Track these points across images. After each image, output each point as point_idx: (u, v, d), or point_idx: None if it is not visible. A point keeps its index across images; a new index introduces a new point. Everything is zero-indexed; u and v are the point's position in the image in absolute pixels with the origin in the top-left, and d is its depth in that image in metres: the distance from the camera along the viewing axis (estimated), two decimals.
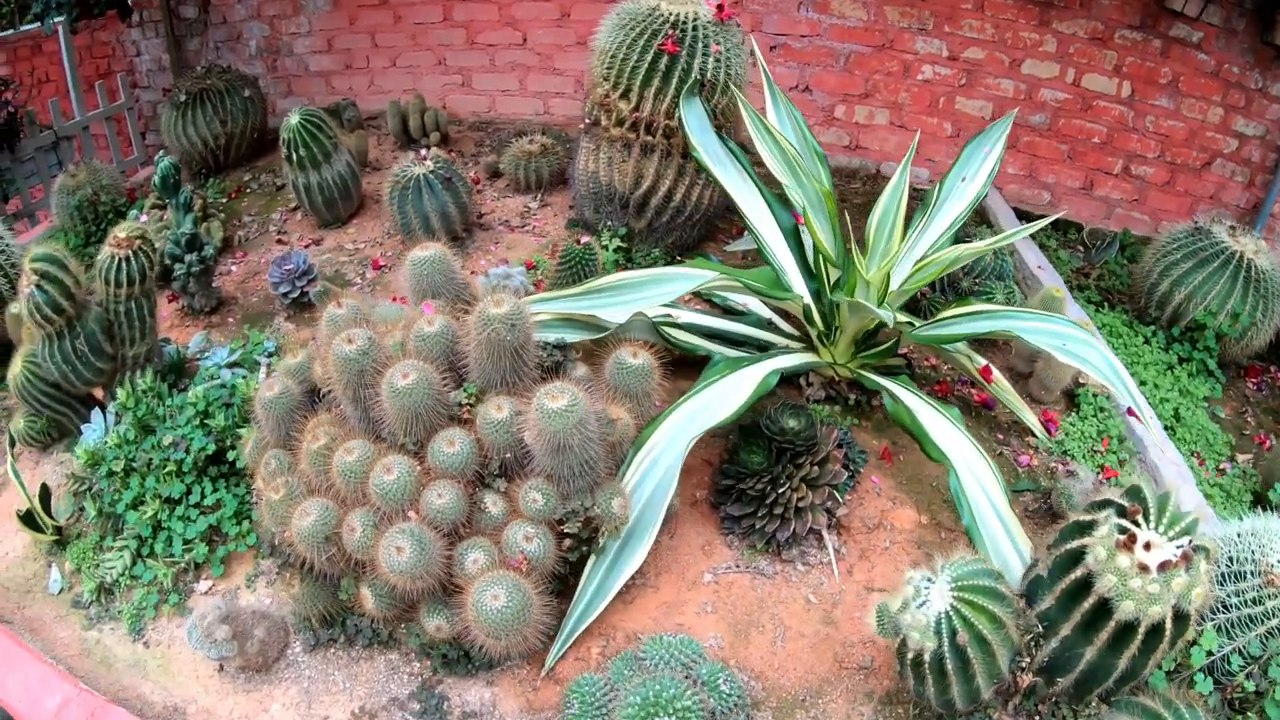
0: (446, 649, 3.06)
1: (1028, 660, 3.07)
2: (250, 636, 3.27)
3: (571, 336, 3.34)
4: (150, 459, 3.76)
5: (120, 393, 3.90)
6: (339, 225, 4.72)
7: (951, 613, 2.88)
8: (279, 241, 4.72)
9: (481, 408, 2.95)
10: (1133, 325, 4.74)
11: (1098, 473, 4.02)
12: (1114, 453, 4.10)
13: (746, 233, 4.59)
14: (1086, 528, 2.96)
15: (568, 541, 2.95)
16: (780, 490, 3.36)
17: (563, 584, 3.14)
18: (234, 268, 4.66)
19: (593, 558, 3.09)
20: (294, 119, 4.51)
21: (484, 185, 4.84)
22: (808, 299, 3.81)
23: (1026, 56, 5.04)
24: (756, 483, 3.38)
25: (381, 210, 4.73)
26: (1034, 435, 4.07)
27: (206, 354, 4.16)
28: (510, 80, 5.56)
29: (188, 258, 4.32)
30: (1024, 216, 5.30)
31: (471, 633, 2.77)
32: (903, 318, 3.64)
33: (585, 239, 3.79)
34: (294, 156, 4.50)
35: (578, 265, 3.71)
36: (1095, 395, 4.23)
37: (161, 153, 4.40)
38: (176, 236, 4.33)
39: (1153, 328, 4.67)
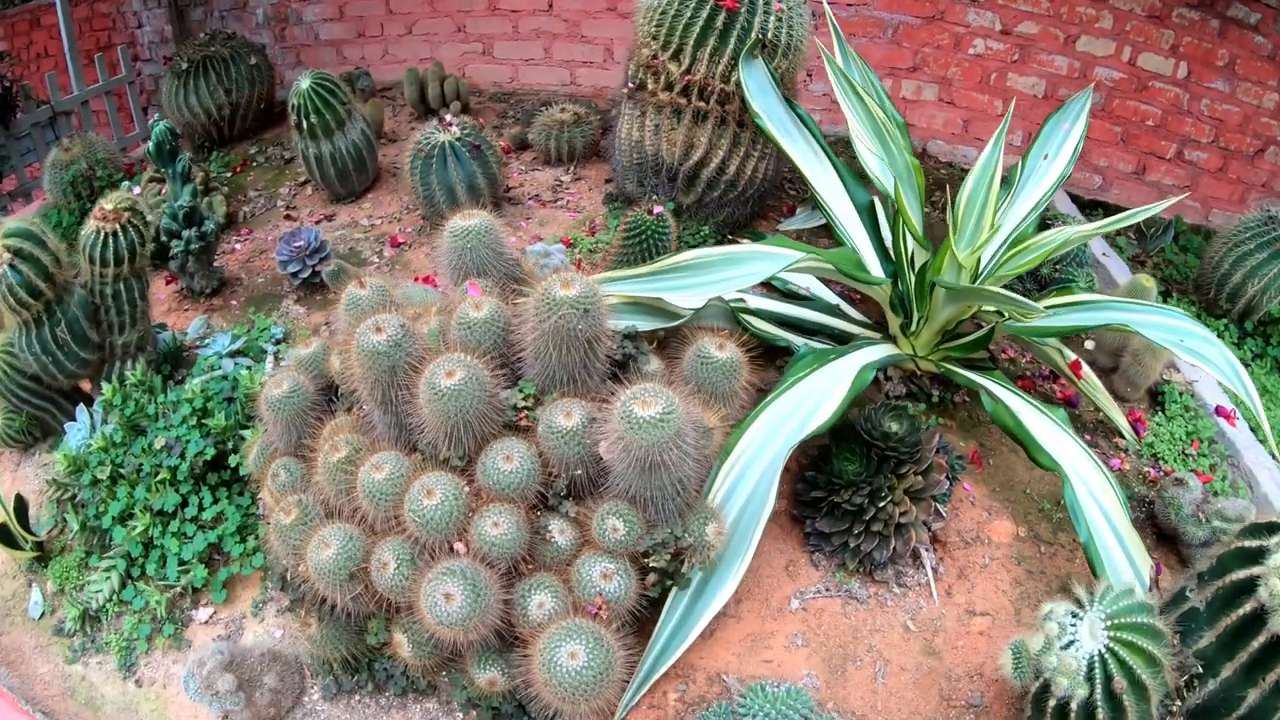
0: (499, 702, 2.24)
1: (1178, 704, 2.33)
2: (259, 685, 2.45)
3: (643, 324, 2.52)
4: (140, 465, 2.92)
5: (106, 388, 3.04)
6: (353, 200, 3.86)
7: (1107, 655, 2.22)
8: (287, 217, 3.87)
9: (545, 413, 2.13)
10: (1201, 318, 3.99)
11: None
12: (1205, 456, 3.35)
13: (811, 209, 3.78)
14: (1254, 555, 2.26)
15: (652, 577, 2.14)
16: (881, 504, 2.56)
17: (633, 616, 2.33)
18: (238, 246, 3.80)
19: (674, 590, 2.29)
20: (304, 83, 3.65)
21: (510, 158, 3.99)
22: (894, 284, 3.01)
23: (1082, 32, 4.27)
24: (853, 495, 2.58)
25: (399, 183, 3.88)
26: (1122, 436, 3.30)
27: (206, 341, 3.30)
28: (534, 48, 4.71)
29: (186, 234, 3.46)
30: (1075, 201, 4.53)
31: (537, 692, 1.96)
32: (989, 307, 2.85)
33: (657, 209, 2.95)
34: (304, 124, 3.65)
35: (647, 239, 2.88)
36: (1181, 393, 3.47)
37: (156, 116, 3.53)
38: (173, 210, 3.47)
39: (1224, 321, 3.92)
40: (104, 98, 4.94)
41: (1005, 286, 3.21)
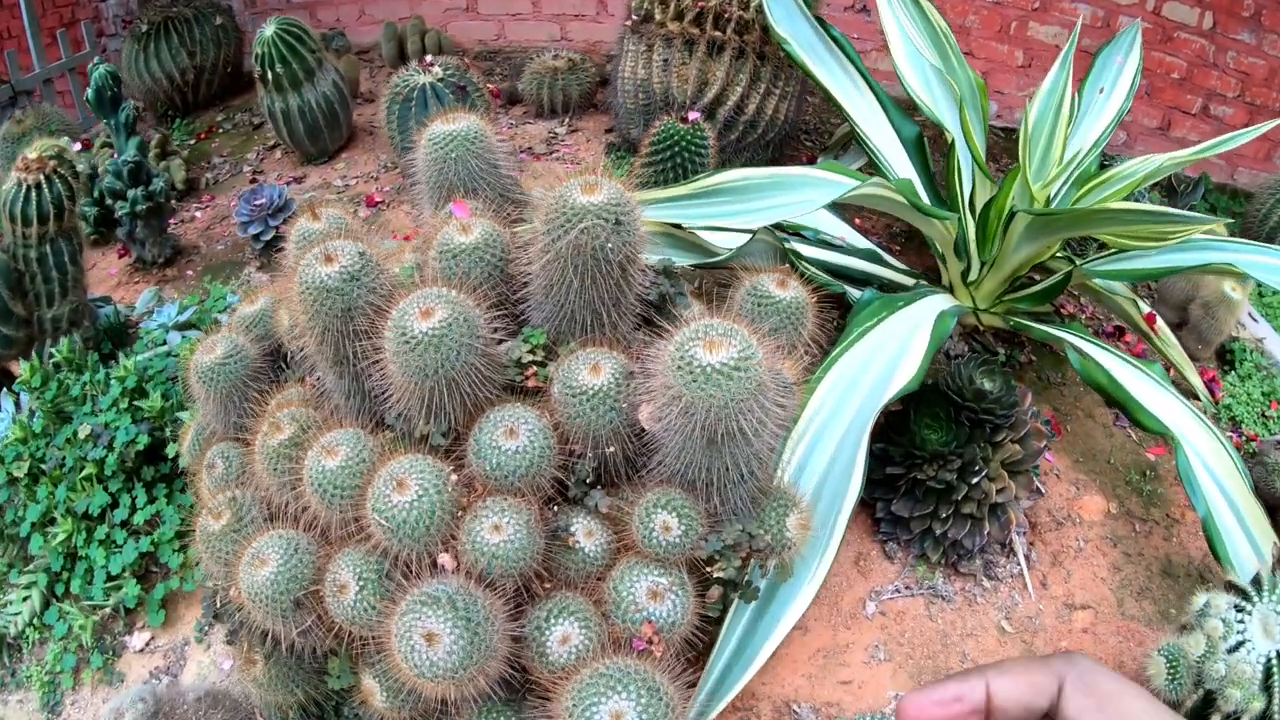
0: None
1: None
2: None
3: (679, 258, 1.72)
4: (64, 458, 2.09)
5: (24, 367, 2.20)
6: (325, 160, 3.03)
7: None
8: (253, 182, 3.03)
9: (561, 369, 1.32)
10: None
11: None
12: None
13: (832, 158, 2.98)
14: None
15: (715, 590, 1.33)
16: (974, 480, 1.78)
17: (686, 642, 1.53)
18: (198, 213, 2.96)
19: (735, 602, 1.50)
20: (269, 29, 2.81)
21: (498, 113, 3.18)
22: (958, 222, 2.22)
23: None
24: (941, 470, 1.80)
25: (376, 142, 3.05)
26: (1197, 398, 2.54)
27: (153, 314, 2.46)
28: (521, 1, 3.88)
29: (131, 193, 2.62)
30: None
31: None
32: (1104, 233, 2.07)
33: (693, 115, 2.13)
34: (269, 75, 2.81)
35: (681, 154, 2.06)
36: (1251, 350, 2.71)
37: (97, 60, 2.68)
38: (117, 166, 2.63)
39: None
40: (68, 76, 4.05)
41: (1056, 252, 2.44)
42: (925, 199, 2.36)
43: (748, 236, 1.75)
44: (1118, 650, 1.90)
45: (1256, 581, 1.59)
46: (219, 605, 1.58)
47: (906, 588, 1.87)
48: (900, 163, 2.37)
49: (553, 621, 1.25)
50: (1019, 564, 1.97)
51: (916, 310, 1.91)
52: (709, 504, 1.29)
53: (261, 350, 1.73)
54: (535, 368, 1.36)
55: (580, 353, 1.32)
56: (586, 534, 1.30)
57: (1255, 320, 2.84)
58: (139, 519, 2.02)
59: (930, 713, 0.44)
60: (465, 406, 1.31)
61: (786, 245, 1.83)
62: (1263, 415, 2.60)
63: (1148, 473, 2.27)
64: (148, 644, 2.01)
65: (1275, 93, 3.62)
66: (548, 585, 1.28)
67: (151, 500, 2.06)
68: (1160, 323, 2.49)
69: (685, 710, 1.20)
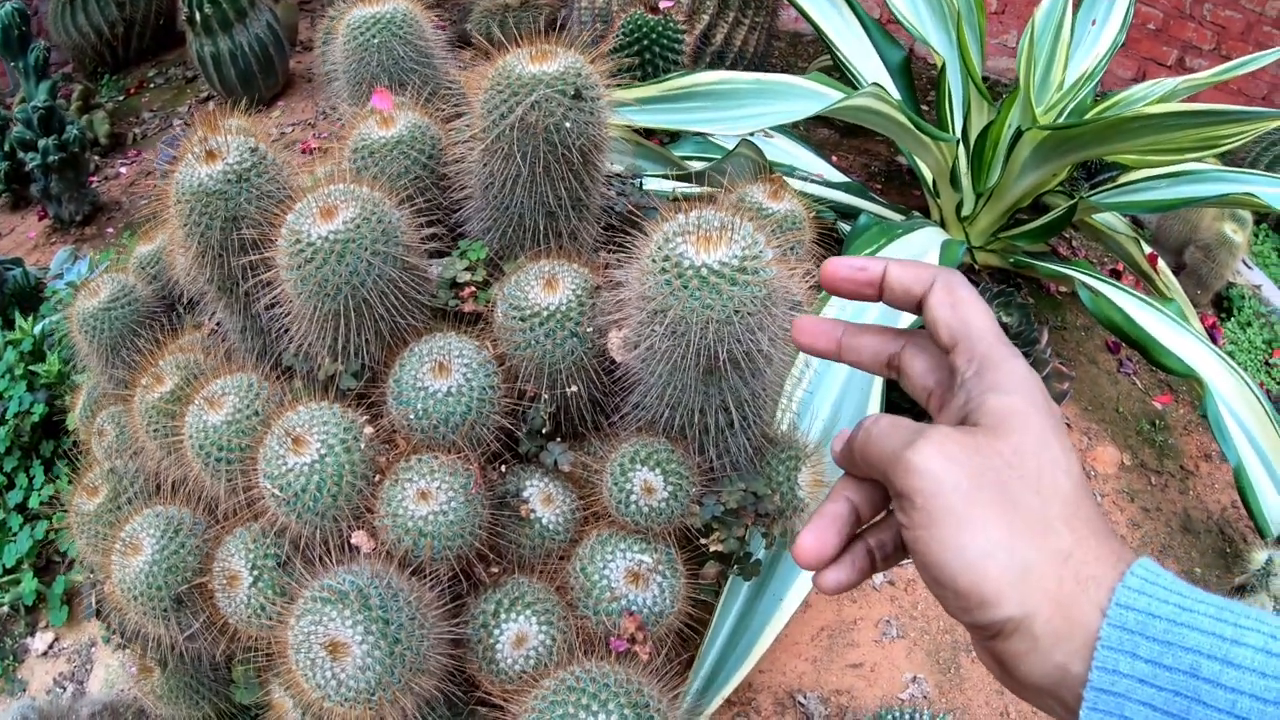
0: None
1: None
2: None
3: (648, 166, 1.35)
4: None
5: None
6: (260, 108, 2.59)
7: None
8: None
9: (505, 288, 0.94)
10: None
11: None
12: None
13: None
14: None
15: (712, 567, 0.96)
16: None
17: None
18: (124, 169, 2.51)
19: (729, 580, 1.13)
20: None
21: (470, 63, 2.75)
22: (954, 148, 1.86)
23: None
24: None
25: (314, 89, 2.62)
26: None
27: (63, 275, 2.04)
28: None
29: (43, 143, 2.19)
30: None
31: None
32: (1139, 149, 1.72)
33: (665, 3, 1.72)
34: (198, 16, 2.38)
35: (651, 47, 1.63)
36: (1248, 297, 2.40)
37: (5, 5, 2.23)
38: (26, 113, 2.18)
39: (1263, 226, 2.87)
40: None
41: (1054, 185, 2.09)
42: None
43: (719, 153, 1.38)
44: None
45: None
46: (97, 603, 1.19)
47: None
48: (888, 90, 2.00)
49: (504, 617, 0.88)
50: None
51: (917, 239, 1.56)
52: (703, 457, 0.92)
53: (155, 293, 1.33)
54: (474, 289, 0.98)
55: (531, 266, 0.95)
56: (544, 500, 0.92)
57: (1250, 268, 2.53)
58: (35, 501, 1.62)
59: (844, 272, 0.48)
60: (382, 337, 0.93)
61: (773, 162, 1.47)
62: (1266, 363, 2.29)
63: (1157, 422, 1.95)
64: (51, 646, 1.61)
65: (1252, 47, 3.30)
66: (495, 570, 0.91)
67: (51, 480, 1.66)
68: (1162, 264, 2.16)
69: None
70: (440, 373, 0.88)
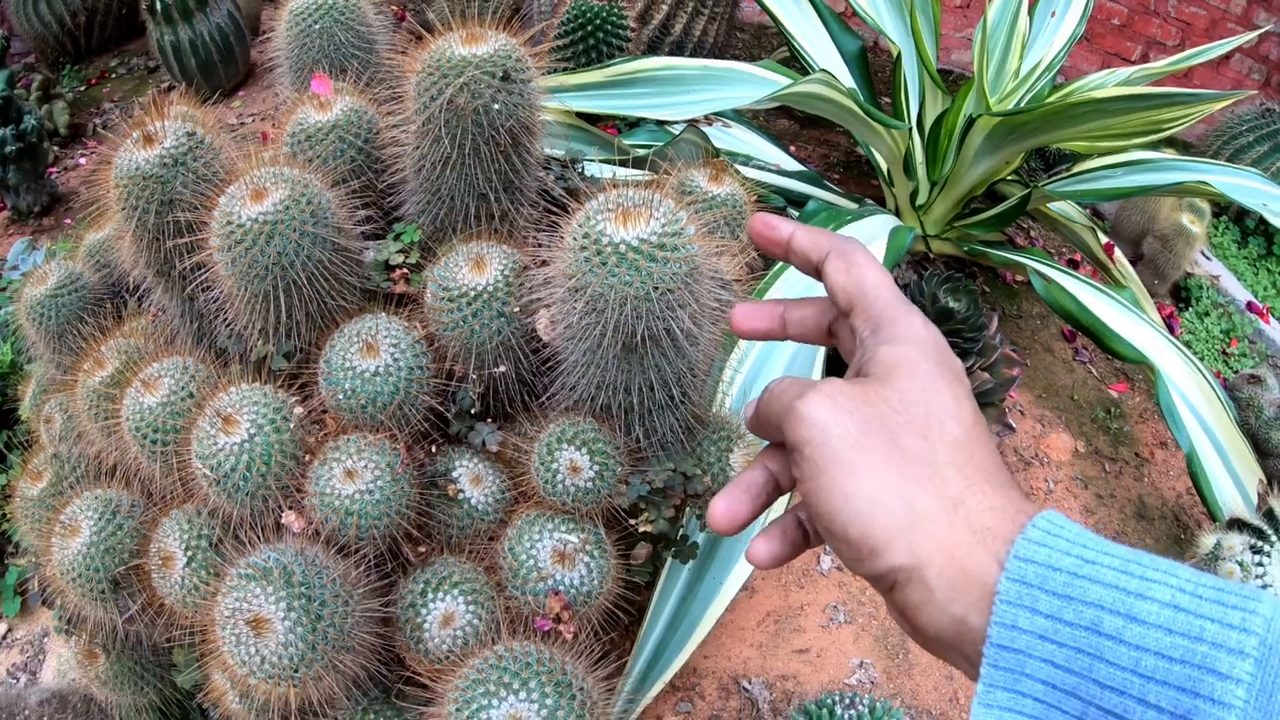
0: None
1: None
2: None
3: (591, 152, 1.36)
4: None
5: None
6: (221, 99, 2.58)
7: None
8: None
9: (435, 269, 0.95)
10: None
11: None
12: (1246, 356, 2.34)
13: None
14: None
15: (643, 548, 0.98)
16: None
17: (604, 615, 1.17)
18: (83, 160, 2.50)
19: (668, 563, 1.15)
20: None
21: (406, 44, 2.74)
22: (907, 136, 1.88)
23: None
24: None
25: (276, 79, 2.61)
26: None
27: (20, 264, 2.03)
28: None
29: (1, 132, 2.16)
30: None
31: None
32: (1093, 133, 1.74)
33: None
34: (158, 5, 2.37)
35: (596, 33, 1.65)
36: (1206, 288, 2.44)
37: None
38: None
39: (1223, 220, 2.91)
40: None
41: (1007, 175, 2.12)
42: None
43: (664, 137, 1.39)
44: None
45: (1270, 516, 1.29)
46: (42, 587, 1.19)
47: None
48: (842, 80, 2.02)
49: (431, 596, 0.89)
50: None
51: (867, 225, 1.58)
52: (630, 437, 0.93)
53: (103, 280, 1.34)
54: (406, 272, 0.99)
55: (461, 247, 0.96)
56: (473, 480, 0.94)
57: (1209, 259, 2.57)
58: None
59: (758, 225, 0.50)
60: (313, 319, 0.94)
61: (720, 149, 1.48)
62: (1223, 353, 2.33)
63: (1112, 410, 1.98)
64: (4, 637, 1.61)
65: (1221, 61, 3.35)
66: (423, 549, 0.92)
67: (3, 470, 1.65)
68: (1119, 254, 2.20)
69: (607, 706, 0.85)
70: (368, 352, 0.89)
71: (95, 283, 1.34)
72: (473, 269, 0.92)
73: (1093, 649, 0.33)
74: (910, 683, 1.41)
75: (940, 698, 1.41)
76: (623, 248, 0.80)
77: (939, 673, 1.43)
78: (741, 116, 2.04)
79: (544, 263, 0.90)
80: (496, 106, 0.92)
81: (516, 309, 0.92)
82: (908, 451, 0.39)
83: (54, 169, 2.48)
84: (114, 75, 2.88)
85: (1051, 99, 1.80)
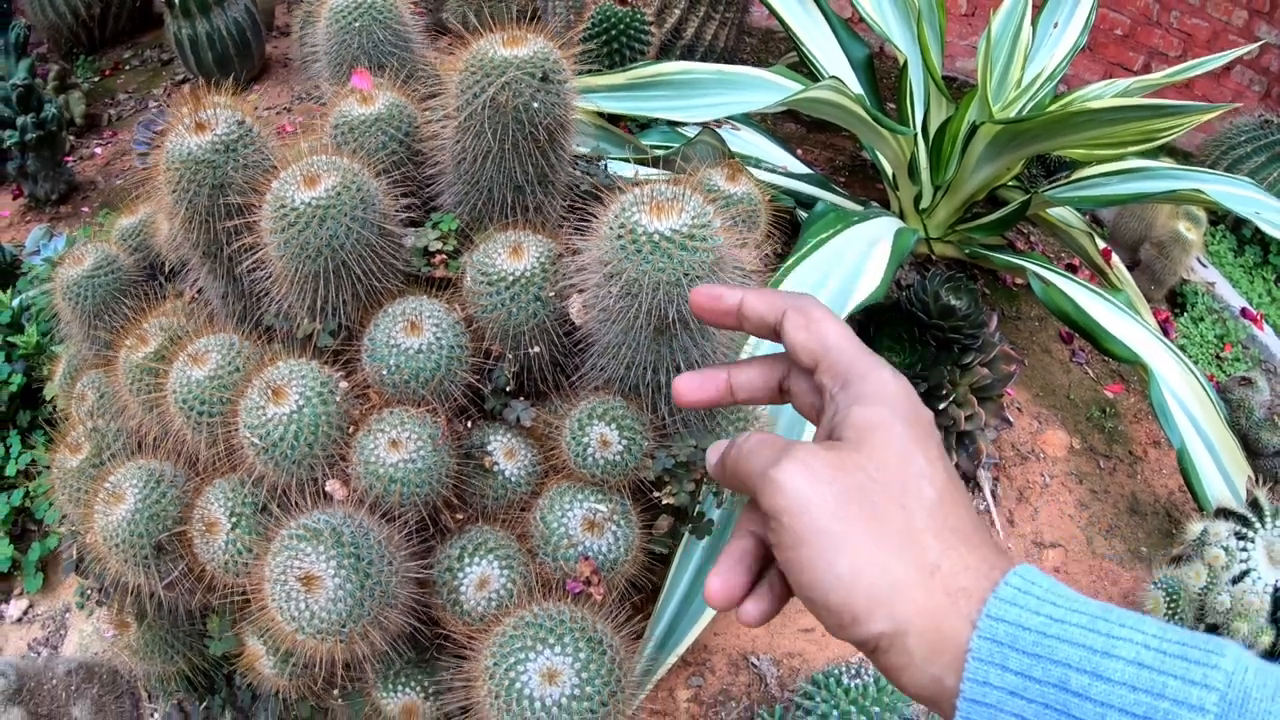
0: None
1: None
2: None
3: (613, 150, 1.43)
4: None
5: None
6: (237, 93, 2.64)
7: None
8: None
9: (474, 255, 1.02)
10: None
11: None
12: (1239, 360, 2.42)
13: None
14: None
15: (664, 521, 1.05)
16: (941, 406, 1.53)
17: (629, 583, 1.23)
18: (99, 149, 2.57)
19: (684, 539, 1.22)
20: None
21: (445, 48, 2.80)
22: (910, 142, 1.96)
23: None
24: None
25: (290, 74, 2.68)
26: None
27: (40, 251, 2.09)
28: None
29: (21, 120, 2.24)
30: None
31: None
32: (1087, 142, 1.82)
33: None
34: None
35: (619, 38, 1.73)
36: (1202, 294, 2.52)
37: None
38: (4, 90, 2.23)
39: (1220, 228, 2.99)
40: None
41: (1008, 181, 2.20)
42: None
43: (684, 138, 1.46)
44: (1092, 589, 1.67)
45: (1255, 506, 1.36)
46: (78, 556, 1.25)
47: None
48: (850, 86, 2.10)
49: (467, 561, 0.96)
50: (985, 500, 1.73)
51: (873, 227, 1.65)
52: (656, 415, 1.00)
53: (137, 263, 1.40)
54: (444, 258, 1.06)
55: (499, 235, 1.03)
56: (507, 454, 1.00)
57: (1205, 265, 2.65)
58: (12, 469, 1.67)
59: (702, 300, 0.51)
60: (359, 299, 1.01)
61: (737, 152, 1.55)
62: (1217, 357, 2.41)
63: (1107, 410, 2.06)
64: (26, 613, 1.66)
65: (1216, 54, 3.44)
66: (460, 517, 0.99)
67: (29, 448, 1.71)
68: (1116, 259, 2.28)
69: (632, 665, 0.92)
70: (412, 331, 0.96)
71: (130, 265, 1.39)
72: (511, 255, 0.99)
73: (1060, 705, 0.34)
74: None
75: None
76: (656, 237, 0.87)
77: None
78: (750, 120, 2.12)
79: (576, 251, 0.97)
80: (536, 105, 0.99)
81: (551, 294, 0.99)
82: (886, 520, 0.40)
83: (70, 158, 2.53)
84: (128, 67, 2.95)
85: (1051, 108, 1.88)
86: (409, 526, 0.95)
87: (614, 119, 1.55)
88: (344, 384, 0.98)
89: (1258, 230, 2.92)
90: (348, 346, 1.01)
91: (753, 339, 1.35)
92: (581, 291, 0.97)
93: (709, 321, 0.52)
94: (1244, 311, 2.50)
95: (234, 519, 1.01)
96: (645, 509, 1.04)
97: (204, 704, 1.34)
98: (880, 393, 0.43)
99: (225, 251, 1.06)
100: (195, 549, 1.05)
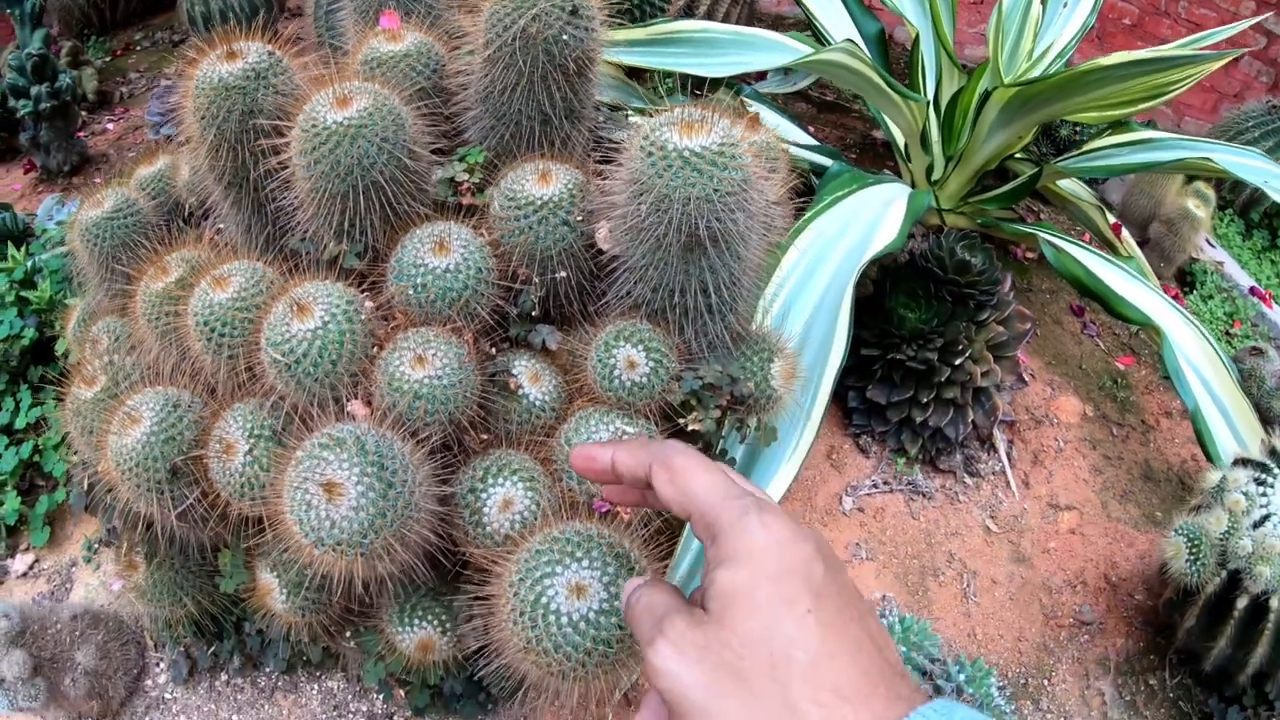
0: (439, 678, 1.13)
1: None
2: (69, 667, 1.31)
3: (633, 102, 1.44)
4: None
5: None
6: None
7: None
8: (169, 88, 2.65)
9: (502, 182, 1.02)
10: None
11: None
12: (1249, 337, 2.42)
13: (783, 73, 2.69)
14: None
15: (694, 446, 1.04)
16: (957, 362, 1.53)
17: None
18: (110, 125, 2.57)
19: None
20: None
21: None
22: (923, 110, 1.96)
23: None
24: (921, 349, 1.54)
25: (304, 52, 2.68)
26: None
27: (53, 217, 2.09)
28: None
29: (35, 90, 2.24)
30: None
31: (509, 660, 0.85)
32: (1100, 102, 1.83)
33: None
34: None
35: (642, 6, 1.73)
36: (1210, 272, 2.52)
37: None
38: (19, 60, 2.24)
39: (1229, 212, 2.99)
40: None
41: (1017, 153, 2.21)
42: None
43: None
44: (1108, 552, 1.67)
45: (1274, 454, 1.36)
46: (88, 488, 1.24)
47: (885, 483, 1.61)
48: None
49: (491, 482, 0.95)
50: (1000, 461, 1.73)
51: (887, 189, 1.66)
52: (682, 338, 1.00)
53: (156, 207, 1.40)
54: (472, 188, 1.06)
55: (527, 164, 1.03)
56: (531, 378, 1.00)
57: (1213, 246, 2.66)
58: (22, 422, 1.67)
59: (578, 462, 0.55)
60: (387, 221, 1.01)
61: (749, 108, 1.56)
62: (1226, 334, 2.41)
63: (1119, 380, 2.06)
64: (31, 567, 1.65)
65: (1226, 44, 3.45)
66: (486, 437, 0.98)
67: (38, 403, 1.71)
68: (1126, 234, 2.28)
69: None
70: (440, 251, 0.95)
71: (149, 209, 1.39)
72: (539, 181, 0.99)
73: None
74: (930, 614, 1.47)
75: (959, 633, 1.47)
76: (686, 153, 0.87)
77: (957, 609, 1.50)
78: (762, 98, 2.12)
79: (604, 187, 0.97)
80: (565, 37, 0.99)
81: (579, 217, 0.99)
82: (760, 694, 0.39)
83: (82, 133, 2.54)
84: (139, 48, 2.96)
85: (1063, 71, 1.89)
86: (432, 445, 0.95)
87: (634, 75, 1.56)
88: (369, 304, 0.97)
89: (1266, 214, 2.93)
90: (373, 268, 1.01)
91: (775, 287, 1.35)
92: (609, 219, 0.97)
93: (592, 479, 0.54)
94: (1253, 290, 2.51)
95: (251, 440, 1.01)
96: (671, 435, 1.03)
97: (211, 649, 1.33)
98: (745, 549, 0.42)
99: (252, 176, 1.06)
100: (211, 473, 1.04)
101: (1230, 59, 1.50)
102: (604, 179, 0.97)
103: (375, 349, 0.96)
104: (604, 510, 0.94)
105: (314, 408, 0.96)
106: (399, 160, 0.96)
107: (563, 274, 1.00)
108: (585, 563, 0.86)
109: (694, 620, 0.42)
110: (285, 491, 0.88)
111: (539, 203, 0.98)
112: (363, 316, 0.96)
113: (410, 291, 0.96)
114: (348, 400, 0.96)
